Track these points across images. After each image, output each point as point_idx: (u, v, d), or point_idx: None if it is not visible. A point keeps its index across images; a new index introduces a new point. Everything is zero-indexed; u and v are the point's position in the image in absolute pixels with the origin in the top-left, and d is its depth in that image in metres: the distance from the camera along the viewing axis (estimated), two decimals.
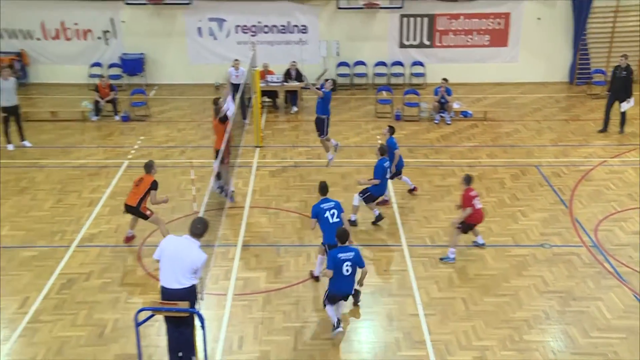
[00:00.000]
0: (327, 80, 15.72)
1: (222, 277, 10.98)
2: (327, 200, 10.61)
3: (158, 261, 8.14)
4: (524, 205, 13.59)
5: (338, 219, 10.44)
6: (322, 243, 10.66)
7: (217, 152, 13.13)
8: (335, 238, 9.55)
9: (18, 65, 21.33)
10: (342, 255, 9.37)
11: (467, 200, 11.47)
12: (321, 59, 21.83)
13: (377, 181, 12.69)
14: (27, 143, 16.69)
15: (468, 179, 11.58)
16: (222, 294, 10.52)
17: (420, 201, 13.83)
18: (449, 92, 18.76)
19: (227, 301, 10.36)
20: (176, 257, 8.04)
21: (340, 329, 9.57)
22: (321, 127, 15.29)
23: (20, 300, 10.38)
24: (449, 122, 18.55)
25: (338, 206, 10.57)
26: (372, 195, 12.80)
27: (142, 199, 11.69)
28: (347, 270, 9.41)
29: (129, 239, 12.08)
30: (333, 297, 9.65)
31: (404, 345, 9.50)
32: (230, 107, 13.51)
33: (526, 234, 12.50)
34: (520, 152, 16.38)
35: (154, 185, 11.71)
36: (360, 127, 18.28)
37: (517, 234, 12.48)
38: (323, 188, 10.73)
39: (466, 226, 11.63)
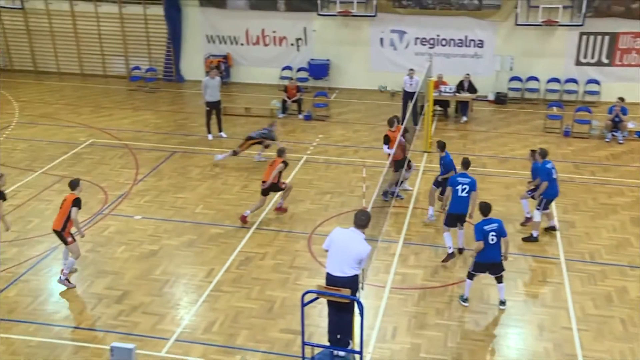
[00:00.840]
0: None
1: (382, 270, 11.03)
2: (464, 175, 11.23)
3: (327, 250, 8.33)
4: None
5: (467, 195, 11.09)
6: (446, 211, 11.37)
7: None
8: (479, 211, 9.96)
9: (223, 66, 22.77)
10: (487, 227, 9.74)
11: None
12: (494, 73, 21.21)
13: (545, 183, 11.89)
14: (223, 134, 17.76)
15: None
16: (380, 286, 10.57)
17: (582, 217, 13.00)
18: (624, 111, 17.43)
19: (384, 293, 10.39)
20: (343, 248, 8.15)
21: (466, 305, 10.09)
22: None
23: (206, 271, 11.09)
24: (621, 142, 17.24)
25: (472, 184, 11.13)
26: (548, 199, 12.08)
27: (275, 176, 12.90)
28: (492, 240, 9.71)
29: (279, 209, 13.16)
30: (480, 266, 9.91)
31: (554, 356, 8.99)
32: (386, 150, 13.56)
33: None
34: None
35: (283, 161, 13.03)
36: (527, 140, 17.52)
37: None
38: (466, 163, 11.40)
39: None
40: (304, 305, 8.18)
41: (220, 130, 17.76)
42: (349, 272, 8.16)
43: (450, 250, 11.21)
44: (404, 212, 13.23)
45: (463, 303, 10.12)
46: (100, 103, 21.01)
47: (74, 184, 10.74)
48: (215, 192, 14.18)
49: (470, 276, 10.10)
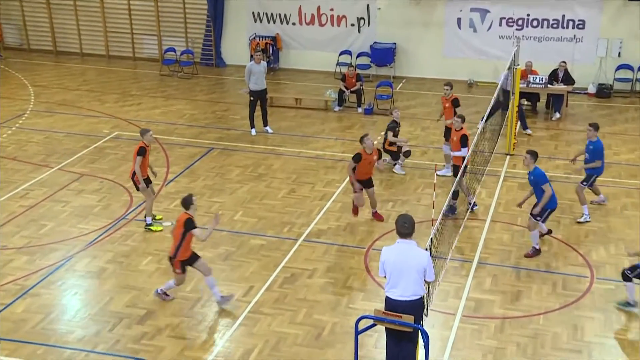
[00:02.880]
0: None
1: (451, 295, 10.91)
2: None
3: (384, 277, 8.32)
4: None
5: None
6: (545, 207, 11.86)
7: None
8: None
9: (271, 49, 22.95)
10: None
11: None
12: (597, 60, 20.72)
13: None
14: (269, 129, 17.88)
15: None
16: (450, 313, 10.45)
17: None
18: None
19: (454, 322, 10.26)
20: (400, 265, 8.11)
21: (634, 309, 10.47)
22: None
23: (245, 288, 11.16)
24: None
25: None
26: None
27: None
28: None
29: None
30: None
31: None
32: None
33: None
34: None
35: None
36: (636, 142, 17.06)
37: None
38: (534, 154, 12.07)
39: None
40: (358, 333, 8.16)
41: (265, 125, 17.89)
42: (412, 295, 8.11)
43: (537, 246, 12.09)
44: (479, 225, 13.06)
45: (627, 307, 10.39)
46: (127, 90, 21.46)
47: (187, 202, 10.50)
48: (257, 197, 14.29)
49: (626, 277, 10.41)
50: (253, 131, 17.76)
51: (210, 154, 16.52)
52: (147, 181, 12.89)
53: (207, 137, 17.58)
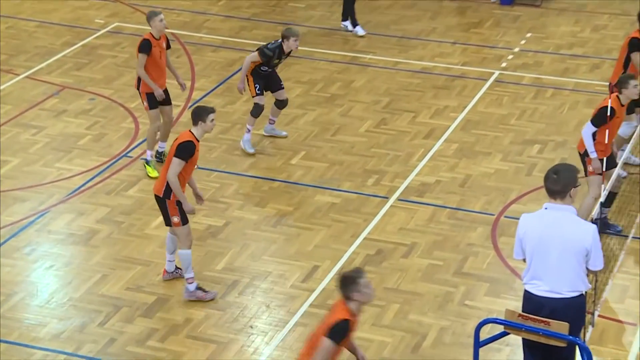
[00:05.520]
0: None
1: (632, 294, 10.75)
2: None
3: (524, 260, 8.21)
4: None
5: None
6: None
7: None
8: None
9: None
10: None
11: None
12: None
13: None
14: (360, 30, 17.88)
15: None
16: (628, 323, 10.33)
17: None
18: None
19: (636, 335, 10.13)
20: (549, 243, 7.98)
21: None
22: None
23: (306, 269, 11.22)
24: None
25: None
26: None
27: None
28: None
29: None
30: None
31: None
32: None
33: None
34: None
35: None
36: None
37: None
38: None
39: None
40: (479, 344, 8.16)
41: (354, 24, 17.86)
42: (567, 291, 8.02)
43: None
44: None
45: None
46: None
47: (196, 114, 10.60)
48: (328, 130, 14.35)
49: None
50: (359, 29, 17.74)
51: None
52: (158, 99, 12.82)
53: (253, 35, 17.62)
